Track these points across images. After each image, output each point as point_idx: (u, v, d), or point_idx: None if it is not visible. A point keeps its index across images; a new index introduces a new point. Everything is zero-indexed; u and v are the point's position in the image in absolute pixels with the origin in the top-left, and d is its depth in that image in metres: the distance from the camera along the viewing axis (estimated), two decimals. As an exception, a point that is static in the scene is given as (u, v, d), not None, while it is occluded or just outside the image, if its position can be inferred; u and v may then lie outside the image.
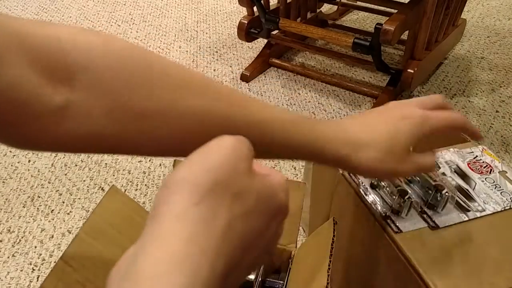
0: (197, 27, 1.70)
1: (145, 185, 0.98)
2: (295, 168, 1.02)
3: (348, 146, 0.40)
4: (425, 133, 0.43)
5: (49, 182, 0.98)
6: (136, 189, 0.97)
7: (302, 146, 0.38)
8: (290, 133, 0.38)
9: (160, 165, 1.03)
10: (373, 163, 0.40)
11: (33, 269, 0.80)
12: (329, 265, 0.44)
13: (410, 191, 0.52)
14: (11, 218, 0.89)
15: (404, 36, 1.19)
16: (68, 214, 0.90)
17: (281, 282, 0.56)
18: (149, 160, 1.04)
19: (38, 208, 0.92)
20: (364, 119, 0.43)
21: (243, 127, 0.35)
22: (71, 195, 0.95)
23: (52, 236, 0.85)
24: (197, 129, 0.33)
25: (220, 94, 0.35)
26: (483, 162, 0.61)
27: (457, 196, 0.54)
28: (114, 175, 1.00)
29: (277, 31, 1.37)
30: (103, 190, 0.96)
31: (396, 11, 1.10)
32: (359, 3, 1.65)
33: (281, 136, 0.37)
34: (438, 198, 0.51)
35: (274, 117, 0.37)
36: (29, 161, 1.04)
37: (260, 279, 0.54)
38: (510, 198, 0.54)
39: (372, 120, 0.43)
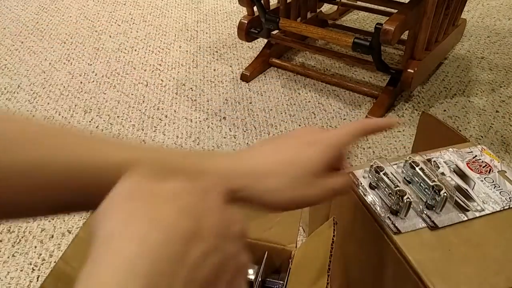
0: (197, 27, 1.71)
1: (145, 185, 0.98)
2: (295, 168, 1.02)
3: (244, 178, 0.36)
4: (335, 155, 0.40)
5: (49, 182, 0.98)
6: (136, 189, 0.97)
7: None
8: None
9: (160, 165, 1.03)
10: (276, 192, 0.37)
11: (33, 269, 0.80)
12: (329, 265, 0.44)
13: (408, 192, 0.52)
14: (11, 218, 0.89)
15: (404, 36, 1.19)
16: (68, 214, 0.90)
17: (281, 282, 0.56)
18: (149, 160, 1.04)
19: (38, 208, 0.92)
20: (263, 148, 0.40)
21: (87, 173, 0.31)
22: (71, 195, 0.95)
23: (52, 236, 0.86)
24: (43, 183, 0.30)
25: (63, 142, 0.32)
26: (482, 161, 0.61)
27: (456, 196, 0.54)
28: (114, 175, 1.00)
29: (277, 31, 1.37)
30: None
31: (396, 11, 1.10)
32: (359, 3, 1.65)
33: None
34: (437, 198, 0.51)
35: (133, 158, 0.33)
36: (29, 161, 1.04)
37: (260, 279, 0.54)
38: (509, 197, 0.54)
39: (272, 148, 0.40)
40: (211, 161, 0.37)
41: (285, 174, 0.37)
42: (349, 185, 0.41)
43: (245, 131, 1.14)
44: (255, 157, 0.38)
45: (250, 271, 0.55)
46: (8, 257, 0.82)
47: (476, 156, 0.62)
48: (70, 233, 0.86)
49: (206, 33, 1.66)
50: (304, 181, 0.38)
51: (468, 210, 0.53)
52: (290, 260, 0.56)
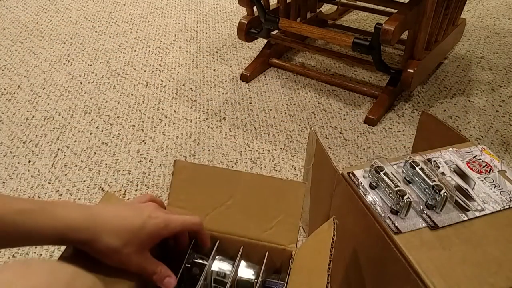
0: (197, 27, 1.71)
1: (145, 185, 0.98)
2: (295, 168, 1.03)
3: (91, 231, 0.44)
4: (166, 234, 0.49)
5: (49, 183, 0.98)
6: (136, 190, 0.97)
7: (45, 233, 0.41)
8: (29, 222, 0.40)
9: (160, 166, 1.03)
10: (114, 249, 0.44)
11: (34, 270, 0.79)
12: (329, 265, 0.44)
13: (409, 192, 0.52)
14: (11, 219, 0.89)
15: (404, 36, 1.19)
16: (68, 214, 0.91)
17: (282, 282, 0.56)
18: (149, 161, 1.04)
19: (38, 209, 0.92)
20: (115, 208, 0.48)
21: None
22: (71, 195, 0.95)
23: (53, 237, 0.86)
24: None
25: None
26: (483, 161, 0.61)
27: (456, 195, 0.54)
28: (114, 176, 1.00)
29: (277, 31, 1.37)
30: (103, 190, 0.96)
31: (396, 11, 1.10)
32: (359, 3, 1.65)
33: (20, 227, 0.40)
34: (437, 198, 0.52)
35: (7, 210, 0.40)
36: (29, 161, 1.04)
37: (260, 279, 0.54)
38: (510, 197, 0.55)
39: (123, 211, 0.48)
40: (62, 211, 0.43)
41: (125, 236, 0.45)
42: (160, 279, 0.49)
43: (245, 131, 1.14)
44: (105, 214, 0.46)
45: (251, 272, 0.55)
46: (9, 258, 0.82)
47: (476, 156, 0.62)
48: (70, 233, 0.86)
49: (206, 33, 1.66)
50: (137, 246, 0.46)
51: (468, 210, 0.53)
52: (290, 260, 0.56)
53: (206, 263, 0.55)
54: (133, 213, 0.48)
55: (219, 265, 0.55)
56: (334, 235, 0.47)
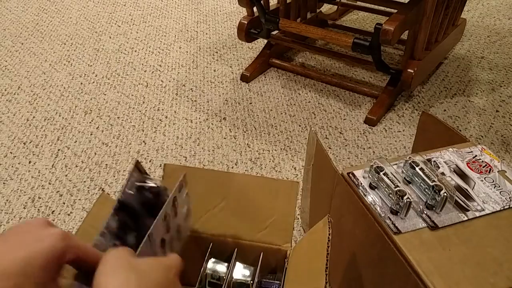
0: (197, 27, 1.71)
1: (145, 185, 0.98)
2: (295, 168, 1.02)
3: None
4: (67, 261, 0.35)
5: (49, 183, 0.98)
6: (136, 190, 0.97)
7: None
8: None
9: (160, 166, 1.03)
10: None
11: (34, 270, 0.79)
12: (326, 265, 0.44)
13: (409, 192, 0.52)
14: (11, 219, 0.89)
15: (404, 36, 1.19)
16: (68, 215, 0.91)
17: (278, 282, 0.56)
18: (149, 161, 1.04)
19: (38, 209, 0.92)
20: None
21: None
22: (72, 196, 0.95)
23: (53, 237, 0.85)
24: None
25: None
26: (482, 161, 0.60)
27: (456, 196, 0.54)
28: (114, 176, 1.00)
29: (277, 31, 1.37)
30: (104, 191, 0.96)
31: (396, 11, 1.10)
32: (359, 3, 1.65)
33: None
34: (437, 198, 0.51)
35: None
36: (29, 162, 1.04)
37: (256, 279, 0.54)
38: (509, 197, 0.54)
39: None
40: None
41: (12, 276, 0.32)
42: None
43: (245, 132, 1.14)
44: None
45: (247, 273, 0.55)
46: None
47: (476, 156, 0.62)
48: (70, 234, 0.86)
49: (206, 33, 1.66)
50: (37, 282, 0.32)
51: (468, 210, 0.53)
52: (285, 260, 0.56)
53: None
54: (11, 242, 0.34)
55: (213, 268, 0.55)
56: (329, 234, 0.47)
